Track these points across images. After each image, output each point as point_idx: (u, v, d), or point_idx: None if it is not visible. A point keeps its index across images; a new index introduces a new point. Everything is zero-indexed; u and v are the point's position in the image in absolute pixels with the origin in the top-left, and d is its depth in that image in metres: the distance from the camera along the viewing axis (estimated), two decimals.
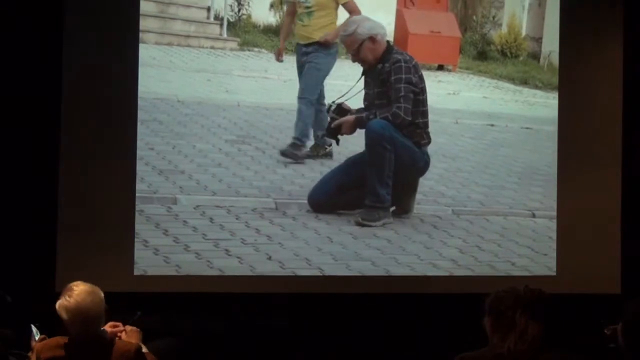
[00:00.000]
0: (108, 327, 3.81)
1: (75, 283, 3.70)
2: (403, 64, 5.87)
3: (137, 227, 5.73)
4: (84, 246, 5.60)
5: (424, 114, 6.00)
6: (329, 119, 5.97)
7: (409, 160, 5.99)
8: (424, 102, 5.98)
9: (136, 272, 5.66)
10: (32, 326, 4.14)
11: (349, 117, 5.94)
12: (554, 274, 6.12)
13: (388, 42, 5.97)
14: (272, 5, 6.17)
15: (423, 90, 5.96)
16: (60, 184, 5.62)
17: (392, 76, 5.88)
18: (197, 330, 5.51)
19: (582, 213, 6.19)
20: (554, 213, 6.23)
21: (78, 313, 3.61)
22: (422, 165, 6.06)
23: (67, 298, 3.64)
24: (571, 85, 6.26)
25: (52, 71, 5.59)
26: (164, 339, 4.39)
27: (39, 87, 5.59)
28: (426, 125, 6.02)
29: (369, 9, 6.08)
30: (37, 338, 4.09)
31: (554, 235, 6.21)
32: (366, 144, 5.94)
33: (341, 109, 5.95)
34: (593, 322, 4.13)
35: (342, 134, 5.98)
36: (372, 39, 5.91)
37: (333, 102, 5.97)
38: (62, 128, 5.62)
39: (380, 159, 5.91)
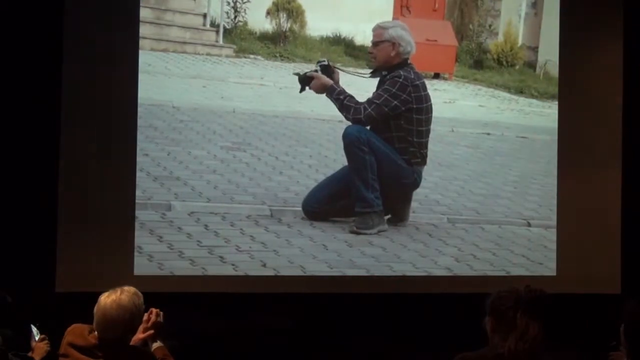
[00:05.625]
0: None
1: (125, 287, 3.68)
2: (400, 80, 5.89)
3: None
4: (84, 246, 5.59)
5: (420, 134, 6.00)
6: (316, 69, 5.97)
7: (392, 170, 5.97)
8: (420, 123, 5.98)
9: (136, 272, 5.64)
10: (32, 326, 4.14)
11: (324, 78, 5.92)
12: (554, 274, 6.12)
13: (406, 59, 5.97)
14: (268, 13, 6.17)
15: (420, 111, 5.96)
16: (60, 184, 5.60)
17: (385, 85, 5.93)
18: (197, 330, 5.49)
19: (582, 213, 6.22)
20: (550, 222, 6.25)
21: (98, 314, 3.61)
22: (409, 181, 6.05)
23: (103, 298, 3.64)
24: (571, 90, 6.29)
25: (52, 71, 5.59)
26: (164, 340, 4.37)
27: (39, 87, 5.59)
28: (422, 145, 6.02)
29: (366, 17, 6.10)
30: (37, 338, 4.08)
31: (549, 244, 6.22)
32: (345, 150, 5.94)
33: (326, 67, 5.95)
34: (593, 322, 4.12)
35: (310, 87, 5.94)
36: (393, 45, 5.95)
37: (325, 60, 5.98)
38: (62, 129, 5.61)
39: (360, 161, 5.91)
